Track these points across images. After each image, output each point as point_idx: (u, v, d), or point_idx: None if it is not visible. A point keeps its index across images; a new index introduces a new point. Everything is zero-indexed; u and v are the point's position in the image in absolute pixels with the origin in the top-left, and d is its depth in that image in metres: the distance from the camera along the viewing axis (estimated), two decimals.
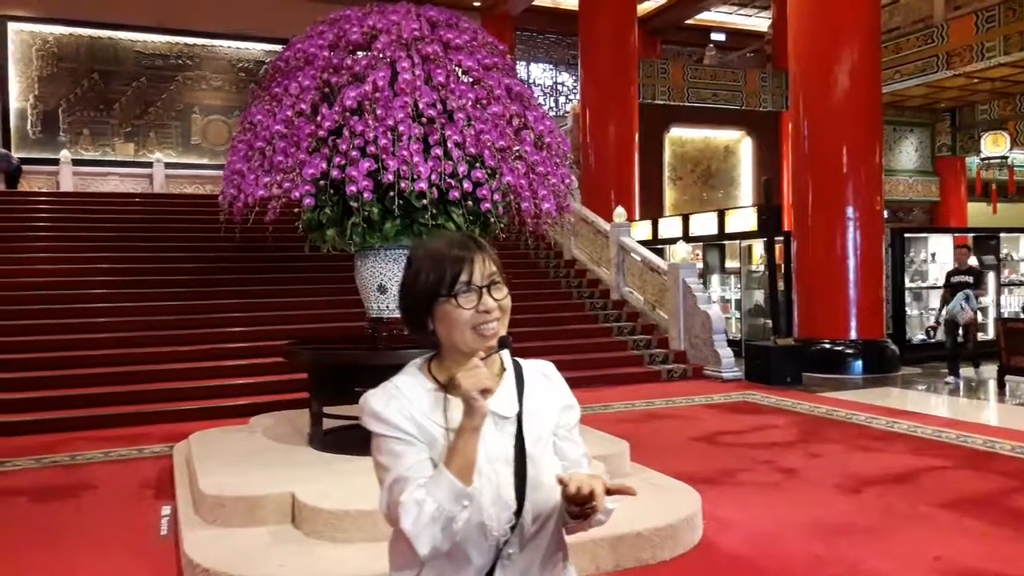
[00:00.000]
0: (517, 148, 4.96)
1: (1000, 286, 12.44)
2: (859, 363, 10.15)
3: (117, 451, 6.44)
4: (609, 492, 1.33)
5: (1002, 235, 12.86)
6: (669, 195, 18.54)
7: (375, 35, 4.95)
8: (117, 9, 17.24)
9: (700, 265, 12.67)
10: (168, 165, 17.72)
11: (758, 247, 12.29)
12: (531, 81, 21.86)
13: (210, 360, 8.69)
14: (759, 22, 22.08)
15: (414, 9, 5.18)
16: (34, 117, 17.28)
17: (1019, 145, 17.59)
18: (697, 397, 8.78)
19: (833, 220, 10.23)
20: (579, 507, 1.31)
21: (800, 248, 10.71)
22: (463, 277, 1.37)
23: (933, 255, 12.45)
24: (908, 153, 19.81)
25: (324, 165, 4.66)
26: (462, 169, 4.69)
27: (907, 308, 11.84)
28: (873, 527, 4.37)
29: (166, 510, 4.74)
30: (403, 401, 1.40)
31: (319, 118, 4.73)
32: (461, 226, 4.84)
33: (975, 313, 9.79)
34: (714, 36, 21.95)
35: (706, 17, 21.66)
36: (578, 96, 16.33)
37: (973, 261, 10.44)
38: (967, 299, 9.41)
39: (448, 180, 4.67)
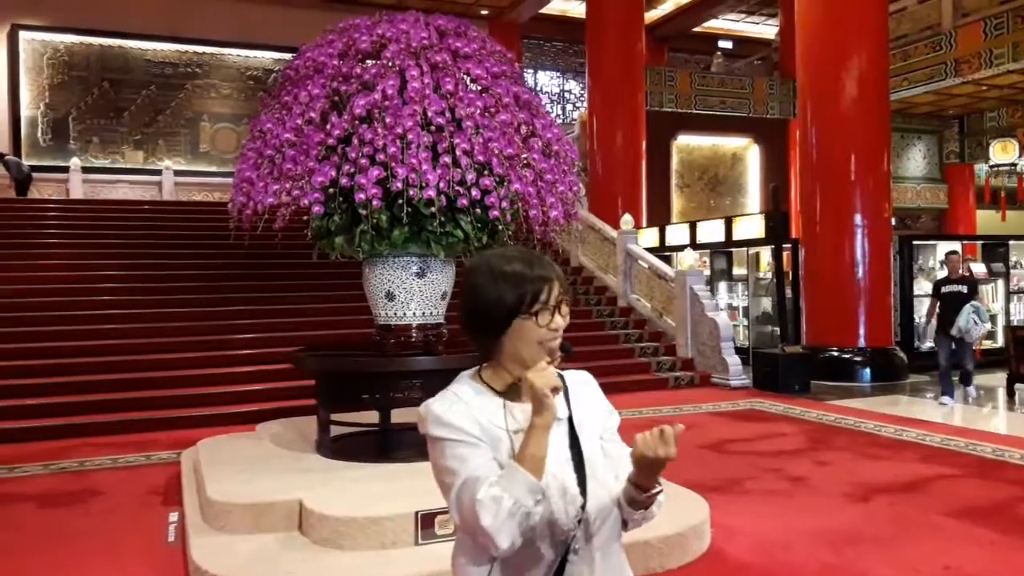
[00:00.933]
0: (525, 156, 4.97)
1: (1009, 293, 12.40)
2: (867, 371, 10.12)
3: (125, 458, 6.46)
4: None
5: (1011, 242, 12.81)
6: (676, 202, 18.52)
7: (384, 44, 4.98)
8: (128, 18, 17.40)
9: (707, 272, 12.65)
10: (177, 173, 17.82)
11: (766, 254, 12.26)
12: (538, 89, 21.90)
13: (218, 367, 8.72)
14: (766, 30, 22.09)
15: (423, 18, 5.21)
16: (44, 125, 17.41)
17: None
18: (705, 405, 8.75)
19: (841, 227, 10.21)
20: (645, 493, 1.42)
21: (808, 255, 10.69)
22: (542, 297, 1.46)
23: (941, 262, 12.39)
24: (916, 160, 19.76)
25: (333, 173, 4.68)
26: (470, 177, 4.70)
27: (915, 315, 11.77)
28: (882, 536, 4.35)
29: (174, 517, 4.75)
30: (466, 405, 1.46)
31: (328, 126, 4.75)
32: (469, 234, 4.85)
33: (987, 327, 8.80)
34: (721, 44, 21.99)
35: (713, 25, 21.69)
36: (585, 104, 16.36)
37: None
38: (977, 312, 8.34)
39: (456, 188, 4.68)
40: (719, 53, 20.65)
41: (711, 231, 13.28)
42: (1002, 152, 17.33)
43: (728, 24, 22.18)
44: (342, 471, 4.75)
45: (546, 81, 22.50)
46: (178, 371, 8.52)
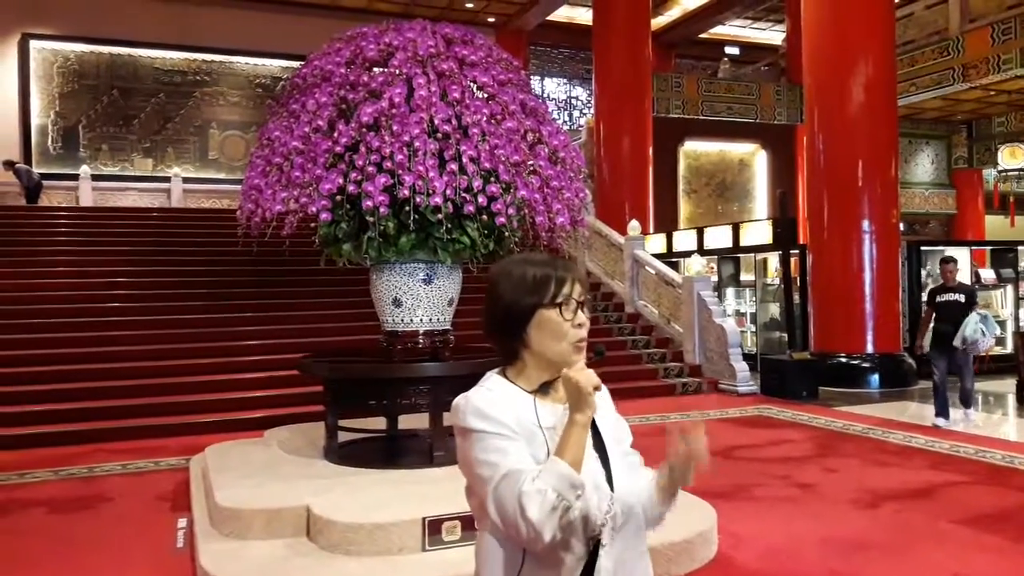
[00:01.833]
0: (531, 163, 4.99)
1: (1018, 299, 12.35)
2: (876, 377, 10.07)
3: (134, 463, 6.49)
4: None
5: (1020, 248, 12.76)
6: (684, 208, 18.53)
7: (391, 52, 5.01)
8: (137, 27, 17.53)
9: (715, 278, 12.63)
10: (186, 180, 17.92)
11: (773, 260, 12.24)
12: (545, 95, 21.96)
13: (226, 373, 8.74)
14: (773, 35, 22.11)
15: (430, 26, 5.24)
16: (55, 133, 17.53)
17: None
18: (712, 411, 8.74)
19: (849, 233, 10.19)
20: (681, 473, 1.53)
21: (816, 261, 10.67)
22: (565, 289, 1.49)
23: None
24: (924, 166, 19.71)
25: (341, 180, 4.71)
26: (477, 184, 4.73)
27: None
28: (890, 543, 4.34)
29: (182, 522, 4.77)
30: (504, 399, 1.48)
31: (336, 134, 4.78)
32: (476, 240, 4.87)
33: (995, 336, 7.94)
34: (728, 50, 22.01)
35: (720, 31, 21.72)
36: (592, 110, 16.38)
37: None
38: (984, 321, 7.45)
39: (463, 195, 4.71)
40: (726, 59, 20.65)
41: (718, 237, 13.27)
42: (1010, 157, 17.27)
43: (735, 30, 22.20)
44: (350, 477, 4.76)
45: (553, 88, 22.56)
46: (187, 377, 8.55)
